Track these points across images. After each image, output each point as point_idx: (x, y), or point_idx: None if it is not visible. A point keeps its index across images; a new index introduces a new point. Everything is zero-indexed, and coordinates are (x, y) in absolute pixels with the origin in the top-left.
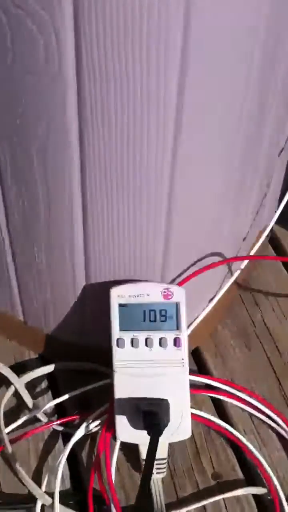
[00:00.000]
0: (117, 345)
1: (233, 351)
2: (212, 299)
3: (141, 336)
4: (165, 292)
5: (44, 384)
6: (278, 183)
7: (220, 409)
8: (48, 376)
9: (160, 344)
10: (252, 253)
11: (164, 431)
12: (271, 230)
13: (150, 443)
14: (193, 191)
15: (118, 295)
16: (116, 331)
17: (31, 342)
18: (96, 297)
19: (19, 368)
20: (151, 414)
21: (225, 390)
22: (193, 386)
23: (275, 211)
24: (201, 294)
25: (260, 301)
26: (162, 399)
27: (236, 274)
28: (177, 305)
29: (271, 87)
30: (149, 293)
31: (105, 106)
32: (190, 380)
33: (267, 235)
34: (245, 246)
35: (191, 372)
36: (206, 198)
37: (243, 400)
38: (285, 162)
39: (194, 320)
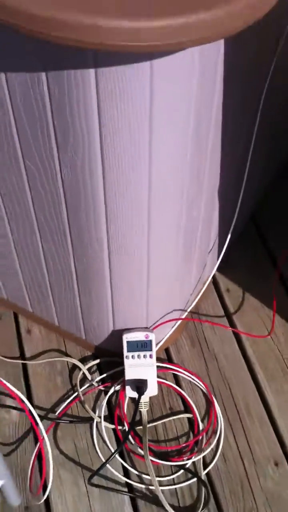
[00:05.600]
0: (126, 358)
1: (183, 351)
2: (174, 325)
3: (136, 354)
4: (146, 335)
5: (94, 368)
6: (213, 250)
7: (176, 379)
8: (97, 365)
9: (144, 357)
10: (199, 296)
11: (145, 392)
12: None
13: (137, 398)
14: (161, 270)
15: (126, 337)
16: (125, 352)
17: (88, 348)
18: (117, 337)
19: (83, 360)
20: (139, 385)
21: (176, 369)
22: (162, 367)
23: (214, 266)
24: (170, 323)
25: (204, 324)
26: (144, 379)
27: (189, 308)
28: (151, 341)
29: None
30: (139, 336)
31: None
32: (159, 366)
33: (210, 281)
34: (193, 296)
35: (164, 360)
36: (167, 274)
37: (182, 372)
38: (215, 230)
39: (166, 334)
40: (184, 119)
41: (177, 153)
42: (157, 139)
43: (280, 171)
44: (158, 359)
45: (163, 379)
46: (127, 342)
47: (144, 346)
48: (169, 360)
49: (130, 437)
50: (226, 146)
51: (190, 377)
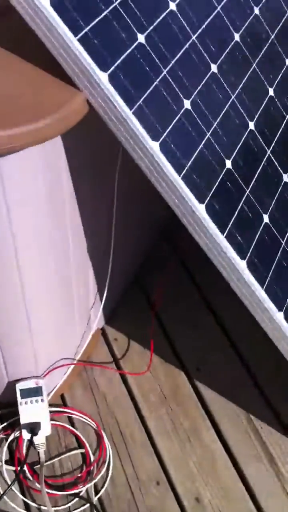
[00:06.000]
0: (20, 404)
1: (76, 395)
2: (66, 372)
3: (28, 400)
4: (36, 382)
5: None
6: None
7: (70, 420)
8: None
9: (36, 402)
10: (85, 344)
11: (39, 433)
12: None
13: (30, 438)
14: (43, 327)
15: (19, 386)
16: (19, 399)
17: None
18: (13, 389)
19: None
20: (32, 427)
21: (70, 412)
22: (57, 411)
23: (96, 320)
24: (61, 370)
25: (94, 370)
26: (37, 422)
27: (78, 357)
28: (41, 387)
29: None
30: (30, 384)
31: None
32: (54, 410)
33: (98, 332)
34: (81, 347)
35: (59, 405)
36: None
37: (75, 414)
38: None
39: (59, 382)
40: (36, 196)
41: (38, 230)
42: (16, 217)
43: (160, 236)
44: (54, 405)
45: (58, 421)
46: (20, 390)
47: (35, 392)
48: (64, 404)
49: (29, 475)
50: (88, 219)
51: (82, 417)
